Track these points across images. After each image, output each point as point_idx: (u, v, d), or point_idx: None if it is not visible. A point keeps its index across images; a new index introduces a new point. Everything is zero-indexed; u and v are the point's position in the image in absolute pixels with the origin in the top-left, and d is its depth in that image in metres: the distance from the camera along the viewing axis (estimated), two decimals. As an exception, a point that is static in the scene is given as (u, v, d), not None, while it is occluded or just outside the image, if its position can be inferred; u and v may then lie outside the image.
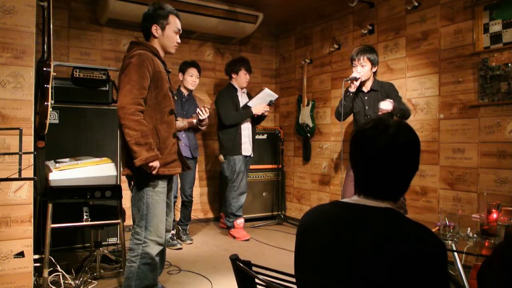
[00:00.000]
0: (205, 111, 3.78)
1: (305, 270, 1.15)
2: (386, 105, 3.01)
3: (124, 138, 2.28)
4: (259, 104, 4.20)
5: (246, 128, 4.28)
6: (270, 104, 4.23)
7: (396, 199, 1.12)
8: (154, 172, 2.23)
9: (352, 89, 3.30)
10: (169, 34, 2.41)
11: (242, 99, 4.32)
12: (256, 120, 4.34)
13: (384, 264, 0.96)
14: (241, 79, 4.28)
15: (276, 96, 4.25)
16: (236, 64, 4.32)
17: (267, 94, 4.18)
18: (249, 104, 4.19)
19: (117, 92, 3.49)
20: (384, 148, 1.07)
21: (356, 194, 1.14)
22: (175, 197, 3.94)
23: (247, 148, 4.28)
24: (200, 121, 3.84)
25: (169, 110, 2.39)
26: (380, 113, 3.02)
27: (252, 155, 4.39)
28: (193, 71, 4.01)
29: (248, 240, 4.18)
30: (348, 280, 1.01)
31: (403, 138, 1.09)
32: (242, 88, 4.35)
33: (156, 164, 2.22)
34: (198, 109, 3.82)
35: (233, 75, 4.31)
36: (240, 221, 4.27)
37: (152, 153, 2.19)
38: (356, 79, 3.24)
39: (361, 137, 1.12)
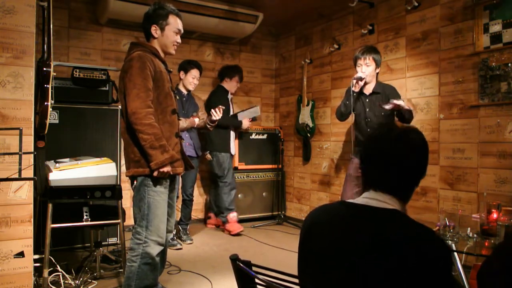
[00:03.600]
0: (220, 111, 3.79)
1: (308, 269, 1.15)
2: (400, 101, 2.98)
3: (128, 139, 2.29)
4: (246, 117, 4.56)
5: (232, 130, 4.57)
6: (253, 120, 4.63)
7: (405, 197, 1.14)
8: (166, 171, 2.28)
9: (356, 89, 3.27)
10: (168, 35, 2.39)
11: (230, 102, 4.61)
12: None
13: (388, 265, 0.96)
14: (236, 86, 4.60)
15: (259, 114, 4.73)
16: (232, 71, 4.59)
17: (255, 112, 4.63)
18: (238, 116, 4.55)
19: (117, 92, 3.53)
20: (402, 149, 1.13)
21: (364, 191, 1.16)
22: (177, 197, 3.94)
23: (234, 147, 4.57)
24: (212, 121, 3.85)
25: (171, 110, 2.39)
26: (388, 106, 2.97)
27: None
28: (196, 73, 4.04)
29: (242, 231, 4.34)
30: (351, 280, 1.01)
31: (418, 140, 1.16)
32: (231, 93, 4.62)
33: (168, 169, 2.27)
34: (212, 110, 3.82)
35: (227, 80, 4.55)
36: (233, 215, 4.41)
37: (166, 155, 2.24)
38: (361, 78, 3.22)
39: (378, 138, 1.18)
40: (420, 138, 1.17)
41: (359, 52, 3.29)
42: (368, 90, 3.31)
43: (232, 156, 4.57)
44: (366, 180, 1.17)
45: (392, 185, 1.12)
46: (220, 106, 3.85)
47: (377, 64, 3.26)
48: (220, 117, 3.83)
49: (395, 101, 2.95)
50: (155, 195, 2.32)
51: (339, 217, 1.12)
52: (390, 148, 1.13)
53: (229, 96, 4.57)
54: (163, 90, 2.34)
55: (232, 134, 4.55)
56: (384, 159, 1.13)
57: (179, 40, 2.46)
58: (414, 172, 1.14)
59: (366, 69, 3.23)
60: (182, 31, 2.47)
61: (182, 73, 4.05)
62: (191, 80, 4.01)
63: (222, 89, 4.55)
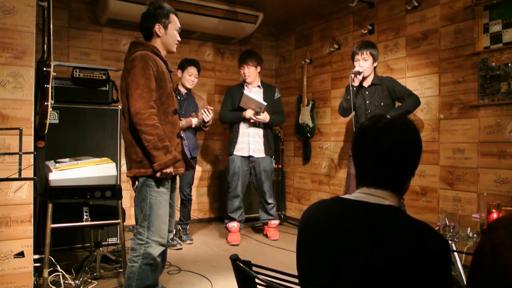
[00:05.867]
0: (209, 112, 3.77)
1: (305, 266, 1.15)
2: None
3: (130, 139, 2.29)
4: (250, 107, 3.97)
5: (247, 127, 4.07)
6: (257, 112, 3.92)
7: (397, 190, 1.12)
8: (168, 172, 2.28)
9: (355, 83, 3.35)
10: (171, 33, 2.42)
11: (251, 94, 4.01)
12: (266, 124, 4.08)
13: (384, 261, 0.96)
14: (242, 74, 4.16)
15: (264, 104, 3.92)
16: (239, 60, 4.22)
17: (250, 100, 3.90)
18: (241, 104, 3.99)
19: (117, 92, 3.53)
20: (387, 137, 1.10)
21: (358, 189, 1.15)
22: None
23: (244, 148, 4.05)
24: (204, 122, 3.83)
25: (173, 110, 2.39)
26: None
27: (259, 156, 4.07)
28: (192, 70, 3.97)
29: (238, 244, 3.99)
30: (346, 276, 1.01)
31: (405, 129, 1.12)
32: (250, 83, 4.15)
33: (170, 170, 2.26)
34: (202, 110, 3.80)
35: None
36: (231, 225, 4.07)
37: (170, 156, 2.24)
38: (359, 73, 3.29)
39: (364, 130, 1.15)
40: (407, 128, 1.13)
41: (356, 47, 3.35)
42: (367, 82, 3.38)
43: (248, 158, 4.07)
44: (359, 177, 1.16)
45: (384, 180, 1.10)
46: (208, 107, 3.82)
47: (375, 59, 3.35)
48: (210, 118, 3.81)
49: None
50: (157, 196, 2.32)
51: (334, 213, 1.12)
52: (376, 142, 1.10)
53: (248, 88, 4.14)
54: (166, 90, 2.35)
55: (245, 132, 4.06)
56: (372, 153, 1.11)
57: (179, 38, 2.49)
58: (404, 164, 1.11)
59: (364, 63, 3.30)
60: (181, 29, 2.50)
61: (179, 71, 3.99)
62: (187, 77, 3.94)
63: (240, 83, 4.28)
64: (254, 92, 4.12)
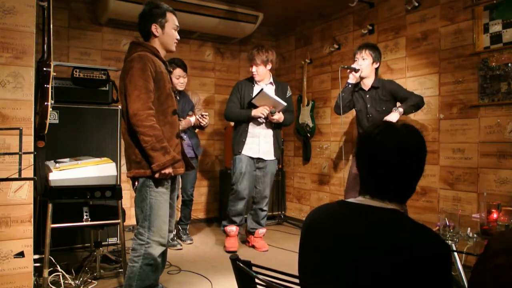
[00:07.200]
0: (205, 117, 3.78)
1: (307, 269, 1.15)
2: (392, 117, 3.05)
3: (129, 140, 2.29)
4: (263, 105, 3.64)
5: (257, 126, 3.75)
6: (272, 112, 3.60)
7: (403, 201, 1.13)
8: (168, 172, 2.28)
9: (351, 80, 3.35)
10: (169, 32, 2.41)
11: (270, 92, 3.70)
12: (277, 124, 3.77)
13: (386, 264, 0.96)
14: (251, 71, 3.79)
15: (284, 104, 3.63)
16: (248, 56, 3.88)
17: (268, 98, 3.59)
18: (253, 101, 3.65)
19: (117, 92, 3.53)
20: (393, 152, 1.09)
21: (361, 195, 1.14)
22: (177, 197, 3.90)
23: (254, 148, 3.74)
24: (200, 124, 3.85)
25: (172, 111, 2.39)
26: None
27: (269, 159, 3.79)
28: (179, 72, 3.81)
29: (235, 251, 3.71)
30: (349, 280, 1.01)
31: (412, 142, 1.11)
32: (260, 81, 3.79)
33: (169, 171, 2.26)
34: (197, 117, 3.80)
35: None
36: (230, 229, 3.79)
37: (168, 157, 2.24)
38: (355, 70, 3.29)
39: (369, 140, 1.13)
40: (411, 135, 1.12)
41: (357, 47, 3.39)
42: (367, 85, 3.35)
43: (254, 159, 3.75)
44: (362, 184, 1.15)
45: (388, 193, 1.10)
46: (203, 113, 3.80)
47: (375, 59, 3.32)
48: (206, 123, 3.81)
49: (388, 119, 3.04)
50: (157, 196, 2.32)
51: (338, 216, 1.12)
52: (380, 149, 1.09)
53: (258, 85, 3.77)
54: (164, 91, 2.35)
55: (255, 131, 3.74)
56: (378, 165, 1.10)
57: (178, 37, 2.48)
58: (411, 176, 1.11)
59: (362, 62, 3.31)
60: (179, 27, 2.49)
61: None
62: (175, 80, 3.78)
63: (248, 78, 3.90)
64: (267, 89, 3.74)
